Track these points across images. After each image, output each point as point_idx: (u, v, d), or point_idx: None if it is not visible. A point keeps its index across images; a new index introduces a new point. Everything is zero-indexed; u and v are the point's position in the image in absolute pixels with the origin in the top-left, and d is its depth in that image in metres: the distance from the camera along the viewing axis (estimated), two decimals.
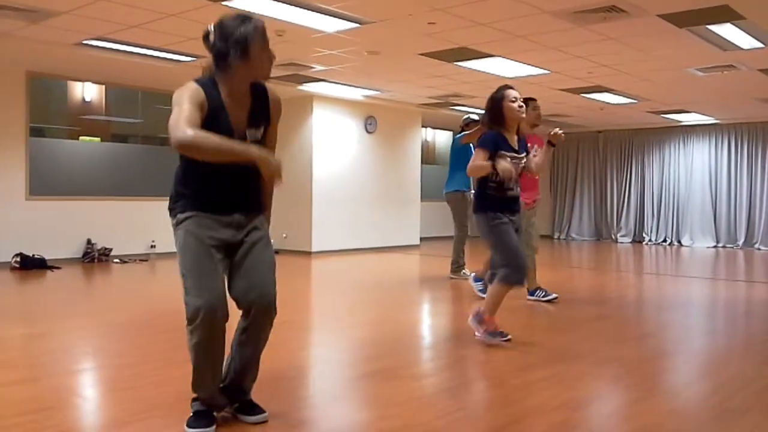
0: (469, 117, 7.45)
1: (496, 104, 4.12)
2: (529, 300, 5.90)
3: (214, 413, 2.67)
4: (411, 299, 6.52)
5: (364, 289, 6.89)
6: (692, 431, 2.74)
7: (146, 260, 9.07)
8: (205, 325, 2.47)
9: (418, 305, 6.23)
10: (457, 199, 7.46)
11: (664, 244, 13.77)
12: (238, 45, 2.47)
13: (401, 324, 5.14)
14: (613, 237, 14.42)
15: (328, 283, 7.73)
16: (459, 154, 7.18)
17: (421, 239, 12.67)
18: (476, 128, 7.03)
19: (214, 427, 2.60)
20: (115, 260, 8.86)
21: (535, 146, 5.87)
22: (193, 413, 2.64)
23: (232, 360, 2.71)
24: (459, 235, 7.47)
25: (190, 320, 2.48)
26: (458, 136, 7.17)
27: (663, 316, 5.67)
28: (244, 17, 2.52)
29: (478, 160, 4.04)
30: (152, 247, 9.32)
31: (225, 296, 2.53)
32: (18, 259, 7.91)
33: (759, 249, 12.65)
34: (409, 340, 4.60)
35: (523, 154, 4.22)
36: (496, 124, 4.12)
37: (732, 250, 12.75)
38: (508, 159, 4.01)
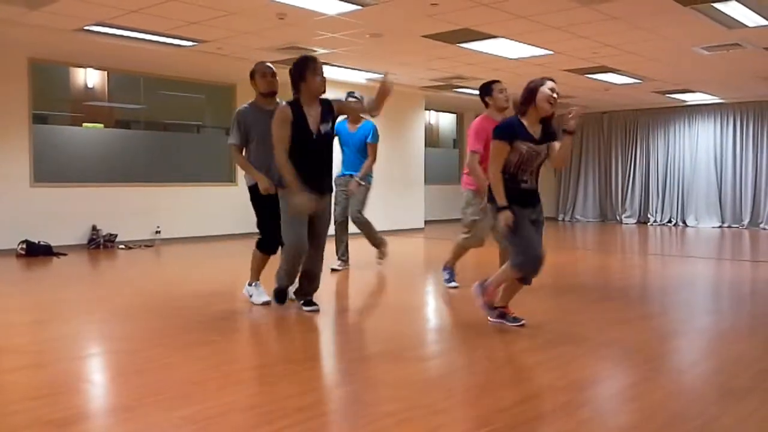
0: (351, 93, 6.53)
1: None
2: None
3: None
4: (415, 282, 6.53)
5: (369, 271, 6.90)
6: (696, 411, 2.75)
7: (151, 246, 9.09)
8: (294, 253, 4.43)
9: (423, 288, 6.24)
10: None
11: (669, 224, 13.73)
12: (299, 74, 4.41)
13: (406, 306, 5.16)
14: (618, 218, 14.39)
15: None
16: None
17: (426, 222, 12.67)
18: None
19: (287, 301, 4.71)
20: (120, 246, 8.88)
21: None
22: (276, 293, 4.67)
23: (303, 277, 4.64)
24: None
25: (287, 249, 4.45)
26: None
27: (667, 296, 5.68)
28: (306, 57, 4.47)
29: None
30: (157, 232, 9.33)
31: (306, 238, 4.44)
32: (24, 246, 7.95)
33: (764, 228, 12.61)
34: (413, 322, 4.61)
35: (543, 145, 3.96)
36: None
37: (737, 230, 12.71)
38: None
